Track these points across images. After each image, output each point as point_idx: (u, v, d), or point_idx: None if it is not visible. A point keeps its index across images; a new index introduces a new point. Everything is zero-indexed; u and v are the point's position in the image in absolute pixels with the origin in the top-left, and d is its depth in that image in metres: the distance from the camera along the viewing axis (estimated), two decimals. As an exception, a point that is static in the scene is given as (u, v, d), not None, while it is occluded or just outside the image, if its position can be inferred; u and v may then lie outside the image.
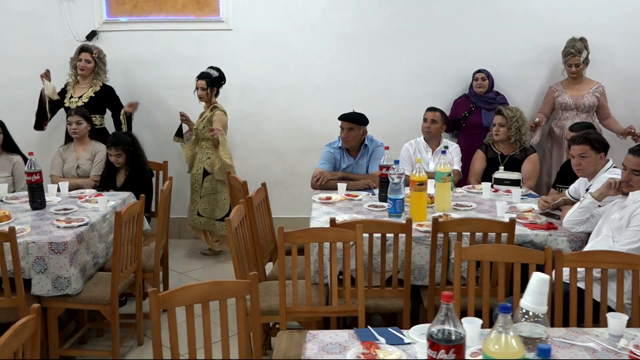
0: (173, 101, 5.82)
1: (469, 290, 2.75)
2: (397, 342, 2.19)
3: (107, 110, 5.41)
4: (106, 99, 5.35)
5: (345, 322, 3.70)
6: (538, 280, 1.75)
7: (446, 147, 4.18)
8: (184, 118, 5.39)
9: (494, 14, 5.64)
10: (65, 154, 4.93)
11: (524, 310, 1.75)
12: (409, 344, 2.19)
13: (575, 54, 5.29)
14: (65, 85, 5.43)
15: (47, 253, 3.35)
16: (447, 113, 5.40)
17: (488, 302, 2.79)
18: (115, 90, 5.42)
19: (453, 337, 1.64)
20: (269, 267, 3.97)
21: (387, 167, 4.01)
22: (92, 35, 5.70)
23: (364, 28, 5.70)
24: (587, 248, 3.22)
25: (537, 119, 5.34)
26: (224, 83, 5.43)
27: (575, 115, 5.37)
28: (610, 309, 2.70)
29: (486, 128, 5.28)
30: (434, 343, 1.65)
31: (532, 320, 1.74)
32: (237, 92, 5.82)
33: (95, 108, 5.26)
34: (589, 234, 3.43)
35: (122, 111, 5.33)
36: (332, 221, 3.19)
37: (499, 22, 5.63)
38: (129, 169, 4.67)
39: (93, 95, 5.31)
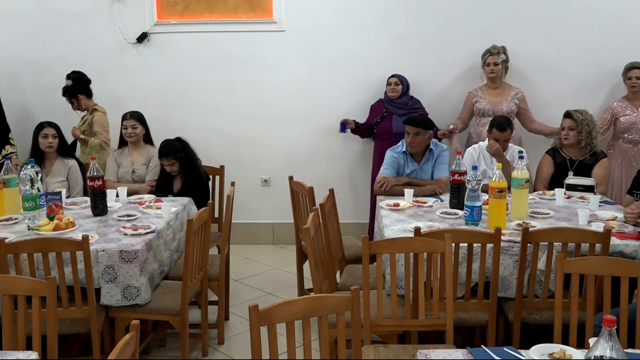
0: (225, 104, 5.73)
1: (573, 305, 2.58)
2: (519, 364, 2.04)
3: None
4: None
5: (419, 336, 3.55)
6: None
7: (521, 152, 4.01)
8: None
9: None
10: (120, 158, 4.84)
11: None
12: (531, 366, 2.04)
13: (494, 53, 5.24)
14: None
15: (117, 262, 3.25)
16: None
17: (592, 317, 2.63)
18: (167, 93, 5.33)
19: (616, 366, 1.49)
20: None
21: (460, 173, 3.88)
22: (142, 37, 5.63)
23: (420, 29, 5.57)
24: (686, 260, 3.04)
25: (452, 126, 5.25)
26: (89, 81, 5.26)
27: None
28: None
29: (396, 134, 5.23)
30: (595, 372, 1.50)
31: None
32: (289, 93, 5.72)
33: None
34: (682, 244, 3.26)
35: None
36: (417, 230, 3.04)
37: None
38: (185, 175, 4.56)
39: None
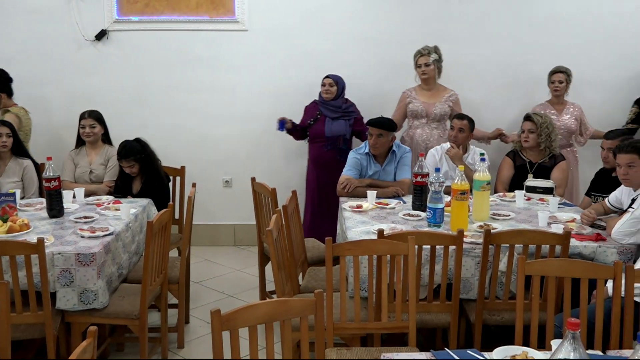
0: (186, 103, 5.66)
1: (533, 306, 2.61)
2: (482, 366, 2.04)
3: None
4: None
5: (382, 339, 3.54)
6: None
7: (483, 154, 4.05)
8: None
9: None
10: (77, 158, 4.72)
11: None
12: (494, 368, 2.04)
13: (424, 53, 5.15)
14: None
15: (73, 265, 3.15)
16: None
17: (553, 318, 2.66)
18: (127, 92, 5.24)
19: (580, 369, 1.49)
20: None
21: (422, 175, 3.89)
22: (101, 34, 5.51)
23: (383, 29, 5.57)
24: (642, 261, 3.10)
25: None
26: (11, 80, 5.08)
27: (426, 123, 5.16)
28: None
29: (329, 138, 5.15)
30: (559, 375, 1.51)
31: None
32: (251, 93, 5.68)
33: None
34: (638, 245, 3.32)
35: None
36: (381, 233, 3.03)
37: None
38: (145, 176, 4.47)
39: None
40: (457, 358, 2.08)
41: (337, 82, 5.24)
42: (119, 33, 5.54)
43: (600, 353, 2.26)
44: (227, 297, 4.67)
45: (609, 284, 2.83)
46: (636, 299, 2.66)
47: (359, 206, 4.02)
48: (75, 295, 3.19)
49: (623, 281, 2.58)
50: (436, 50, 5.20)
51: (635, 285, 2.60)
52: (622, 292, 2.59)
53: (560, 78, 5.23)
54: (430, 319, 3.24)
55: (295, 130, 5.34)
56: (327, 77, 5.27)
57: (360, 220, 3.77)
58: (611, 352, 2.23)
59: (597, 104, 5.60)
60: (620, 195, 3.75)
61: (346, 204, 4.07)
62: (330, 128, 5.20)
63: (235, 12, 5.52)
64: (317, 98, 5.39)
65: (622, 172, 3.54)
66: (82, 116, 4.69)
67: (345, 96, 5.38)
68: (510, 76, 5.65)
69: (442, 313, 3.22)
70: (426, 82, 5.25)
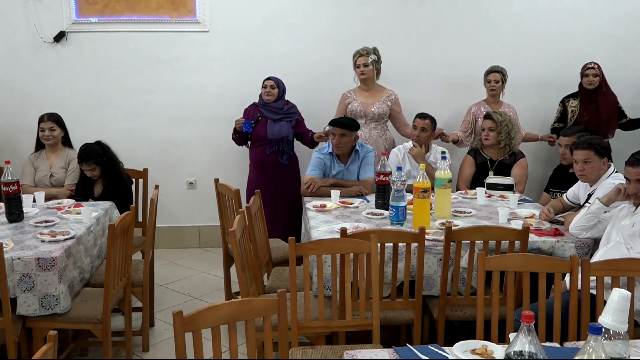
0: (148, 105, 5.61)
1: (493, 301, 2.66)
2: (443, 361, 2.08)
3: None
4: None
5: (347, 336, 3.57)
6: (619, 297, 1.67)
7: (444, 153, 4.11)
8: None
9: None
10: (37, 161, 4.64)
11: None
12: (455, 362, 2.07)
13: (363, 54, 5.18)
14: None
15: (34, 270, 3.11)
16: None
17: (512, 312, 2.71)
18: (87, 95, 5.16)
19: (535, 360, 1.53)
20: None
21: (385, 174, 3.93)
22: (60, 36, 5.42)
23: (345, 30, 5.59)
24: (598, 255, 3.18)
25: (327, 128, 4.79)
26: None
27: (365, 123, 5.16)
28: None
29: (271, 140, 5.11)
30: (515, 367, 1.54)
31: (612, 338, 1.65)
32: (213, 94, 5.65)
33: None
34: (595, 239, 3.41)
35: None
36: (344, 232, 3.06)
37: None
38: (106, 179, 4.42)
39: None
40: (418, 353, 2.11)
41: (278, 84, 5.19)
42: (78, 34, 5.45)
43: (558, 345, 2.31)
44: (192, 299, 4.65)
45: (567, 277, 2.90)
46: (592, 291, 2.74)
47: (323, 206, 4.04)
48: (36, 301, 3.14)
49: (580, 275, 2.65)
50: (375, 51, 5.20)
51: (591, 278, 2.67)
52: (579, 285, 2.66)
53: (496, 78, 5.25)
54: (394, 316, 3.28)
55: (241, 133, 5.22)
56: (268, 79, 5.20)
57: (324, 219, 3.79)
58: (568, 344, 2.29)
59: (532, 105, 5.70)
60: (577, 191, 3.83)
61: (310, 203, 4.09)
62: (272, 130, 5.13)
63: (196, 12, 5.49)
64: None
65: (579, 168, 3.63)
66: (42, 119, 4.62)
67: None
68: (448, 75, 5.70)
69: (405, 310, 3.25)
70: (365, 83, 5.24)
